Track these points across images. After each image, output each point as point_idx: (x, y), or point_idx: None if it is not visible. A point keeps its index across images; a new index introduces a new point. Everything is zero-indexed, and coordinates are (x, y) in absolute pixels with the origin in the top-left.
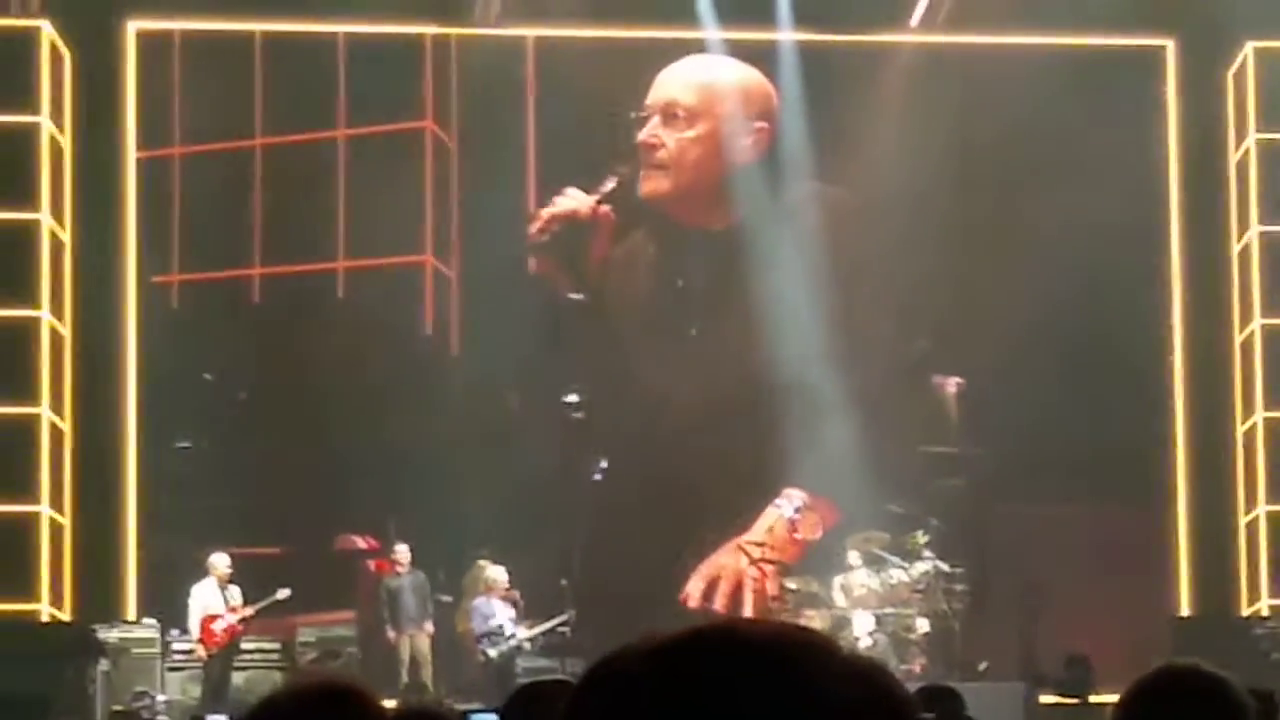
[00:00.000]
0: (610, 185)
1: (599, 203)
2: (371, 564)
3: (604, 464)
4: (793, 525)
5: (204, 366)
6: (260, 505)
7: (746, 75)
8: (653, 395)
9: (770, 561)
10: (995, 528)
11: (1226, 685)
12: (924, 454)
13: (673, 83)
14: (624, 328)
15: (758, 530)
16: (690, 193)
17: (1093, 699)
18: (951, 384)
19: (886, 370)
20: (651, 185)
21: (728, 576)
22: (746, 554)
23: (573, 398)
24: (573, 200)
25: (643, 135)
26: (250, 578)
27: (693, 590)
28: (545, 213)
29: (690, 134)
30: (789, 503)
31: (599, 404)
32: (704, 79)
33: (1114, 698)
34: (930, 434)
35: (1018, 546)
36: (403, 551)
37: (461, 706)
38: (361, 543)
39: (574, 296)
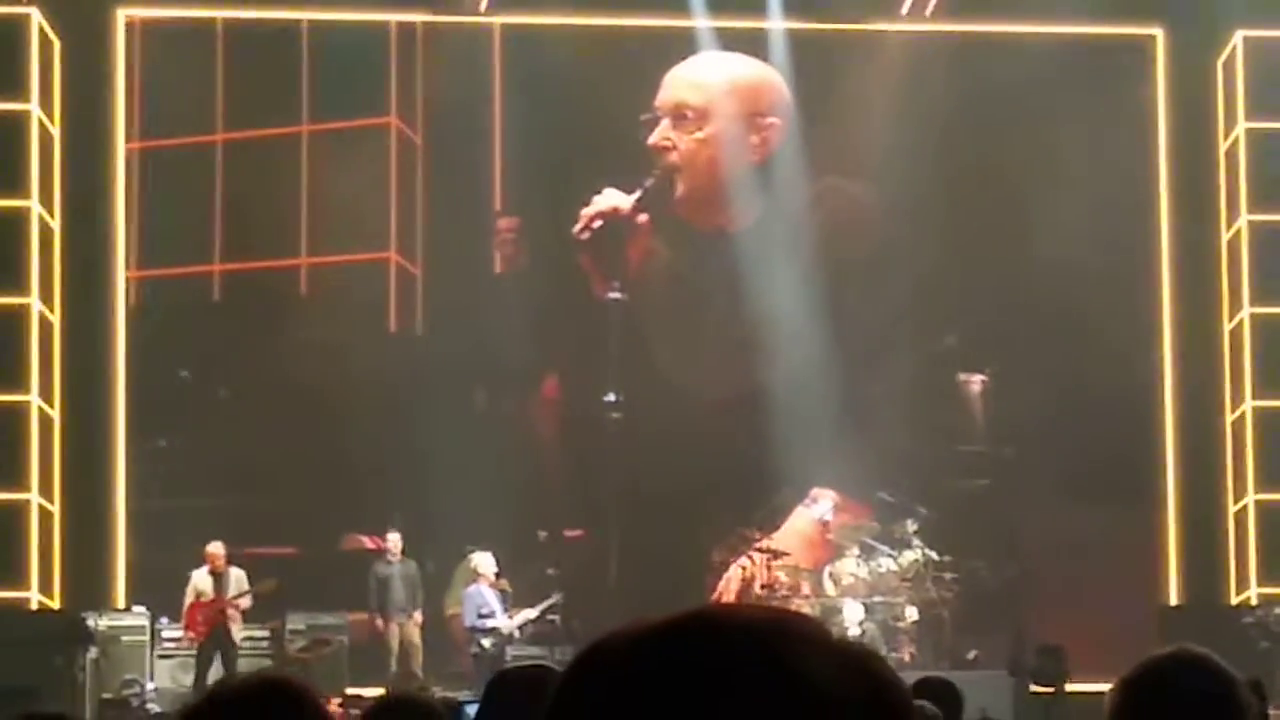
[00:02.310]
0: (648, 183)
1: (638, 202)
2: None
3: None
4: (825, 526)
5: (175, 364)
6: (246, 503)
7: (755, 71)
8: (673, 395)
9: (761, 550)
10: (992, 520)
11: (1235, 684)
12: (951, 452)
13: (680, 83)
14: (647, 329)
15: (786, 531)
16: (704, 195)
17: (1067, 688)
18: (976, 381)
19: (907, 367)
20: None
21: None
22: (748, 557)
23: (610, 398)
24: (611, 199)
25: (653, 138)
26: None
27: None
28: (585, 212)
29: (700, 135)
30: (819, 504)
31: (628, 404)
32: (710, 78)
33: (1090, 687)
34: (956, 433)
35: (1010, 537)
36: (394, 540)
37: (452, 695)
38: (369, 543)
39: (614, 296)
